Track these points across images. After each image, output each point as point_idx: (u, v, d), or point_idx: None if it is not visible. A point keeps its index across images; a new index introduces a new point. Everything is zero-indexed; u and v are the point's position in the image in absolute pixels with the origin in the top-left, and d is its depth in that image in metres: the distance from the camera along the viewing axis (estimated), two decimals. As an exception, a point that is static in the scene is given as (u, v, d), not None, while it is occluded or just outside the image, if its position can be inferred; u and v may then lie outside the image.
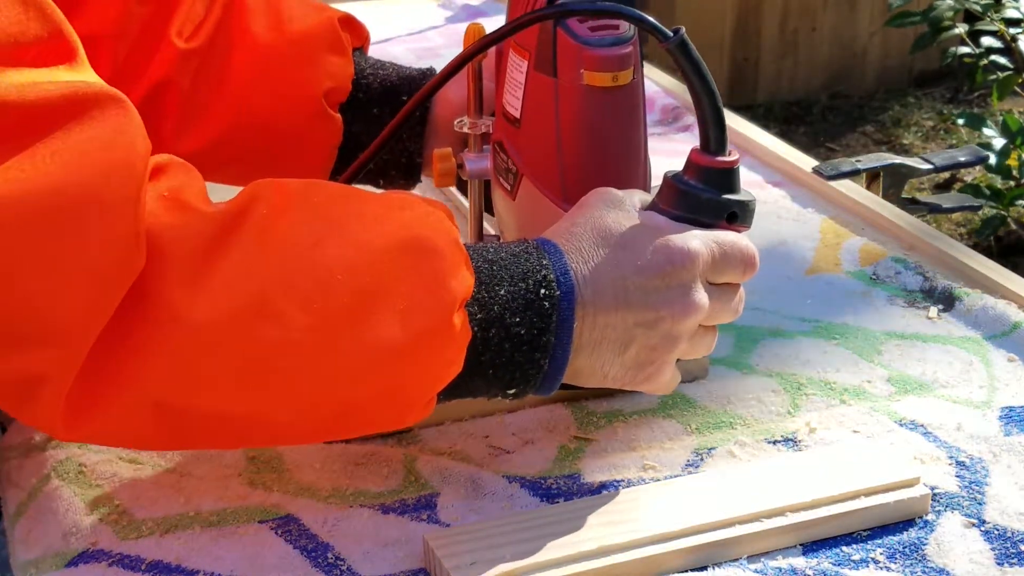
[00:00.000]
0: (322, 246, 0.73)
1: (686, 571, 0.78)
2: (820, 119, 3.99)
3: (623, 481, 0.86)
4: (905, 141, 3.78)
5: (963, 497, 0.84)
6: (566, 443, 0.90)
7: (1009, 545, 0.80)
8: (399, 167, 1.10)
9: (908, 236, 1.17)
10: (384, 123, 1.06)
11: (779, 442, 0.90)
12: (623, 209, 0.83)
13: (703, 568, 0.78)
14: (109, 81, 0.73)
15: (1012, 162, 2.95)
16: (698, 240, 0.82)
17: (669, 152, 1.38)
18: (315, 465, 0.88)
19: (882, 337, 1.03)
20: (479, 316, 0.77)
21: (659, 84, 1.53)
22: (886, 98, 4.12)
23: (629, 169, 0.90)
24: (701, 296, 0.81)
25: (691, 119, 1.45)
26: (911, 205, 1.35)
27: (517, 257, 0.80)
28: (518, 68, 0.91)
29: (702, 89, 0.82)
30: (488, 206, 1.01)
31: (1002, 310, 1.04)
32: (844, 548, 0.80)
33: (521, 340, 0.78)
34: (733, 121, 1.42)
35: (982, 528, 0.81)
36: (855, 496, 0.82)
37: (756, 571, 0.78)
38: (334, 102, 1.08)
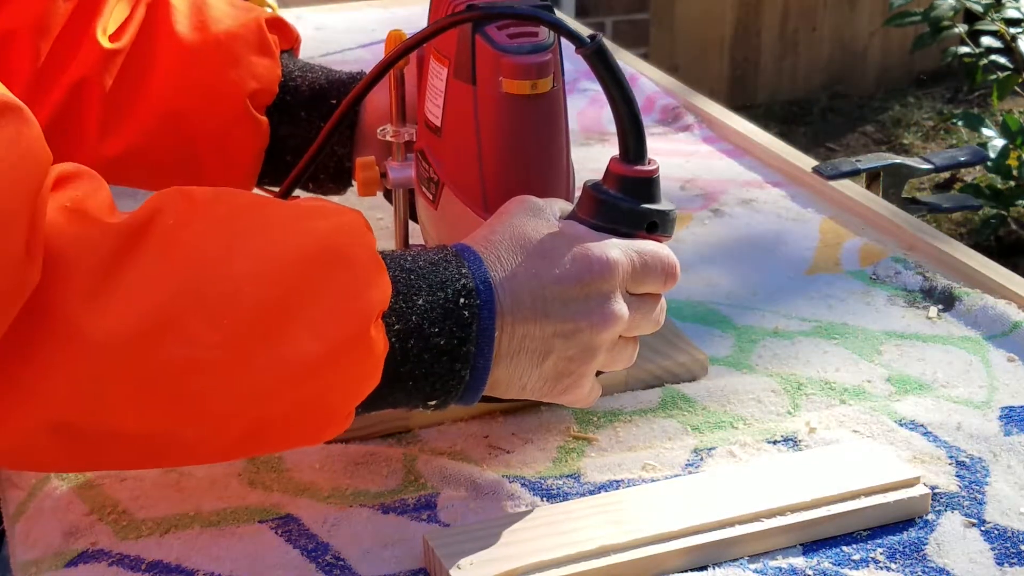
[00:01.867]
0: (231, 258, 0.71)
1: (686, 571, 0.78)
2: (820, 119, 3.99)
3: (623, 481, 0.86)
4: (905, 141, 3.78)
5: (963, 497, 0.84)
6: (566, 443, 0.90)
7: (1009, 545, 0.80)
8: (328, 172, 1.08)
9: (908, 236, 1.17)
10: (311, 126, 1.06)
11: (779, 442, 0.90)
12: (543, 218, 0.82)
13: (703, 568, 0.78)
14: (29, 78, 0.70)
15: (1012, 162, 2.95)
16: (618, 250, 0.80)
17: (670, 152, 1.38)
18: (315, 465, 0.88)
19: (882, 337, 1.03)
20: (397, 327, 0.76)
21: (659, 84, 1.53)
22: (886, 98, 4.12)
23: (550, 178, 0.88)
24: (620, 307, 0.80)
25: (691, 119, 1.45)
26: (911, 205, 1.35)
27: (436, 266, 0.78)
28: (438, 76, 0.90)
29: (619, 97, 0.81)
30: (414, 215, 1.00)
31: (1002, 310, 1.04)
32: (844, 548, 0.80)
33: (441, 350, 0.77)
34: (733, 121, 1.42)
35: (982, 528, 0.81)
36: (855, 496, 0.82)
37: (756, 571, 0.78)
38: (260, 104, 1.06)
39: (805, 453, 0.88)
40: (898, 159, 1.35)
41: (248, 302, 0.70)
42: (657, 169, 0.83)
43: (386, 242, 1.03)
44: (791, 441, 0.90)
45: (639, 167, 0.82)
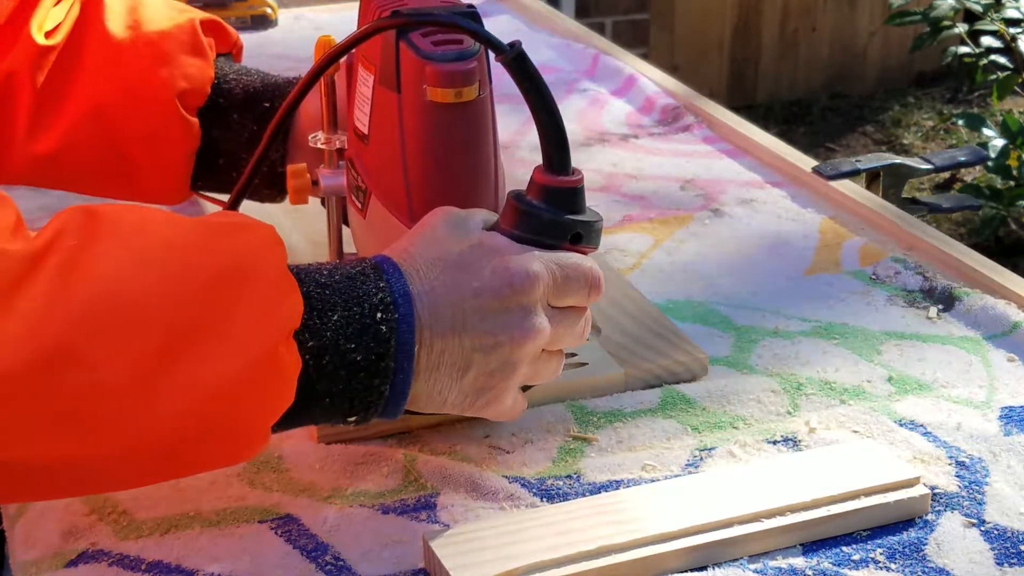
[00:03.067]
0: (133, 280, 0.69)
1: (686, 571, 0.78)
2: (820, 119, 3.99)
3: (623, 481, 0.86)
4: (905, 141, 3.78)
5: (963, 497, 0.84)
6: (566, 443, 0.90)
7: (1009, 545, 0.80)
8: (263, 177, 1.06)
9: (908, 236, 1.17)
10: (244, 129, 1.05)
11: (779, 442, 0.90)
12: (464, 229, 0.81)
13: (703, 568, 0.78)
14: None
15: (1012, 162, 2.95)
16: (539, 263, 0.79)
17: (670, 152, 1.38)
18: (315, 465, 0.88)
19: (882, 337, 1.03)
20: (311, 343, 0.74)
21: (659, 84, 1.53)
22: (886, 98, 4.12)
23: (477, 188, 0.87)
24: (541, 321, 0.79)
25: (691, 119, 1.45)
26: (911, 205, 1.35)
27: (353, 280, 0.77)
28: (366, 83, 0.89)
29: (540, 106, 0.79)
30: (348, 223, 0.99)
31: (1002, 310, 1.04)
32: (844, 548, 0.80)
33: (358, 366, 0.75)
34: (733, 121, 1.42)
35: (982, 528, 0.81)
36: (855, 496, 0.82)
37: (756, 571, 0.78)
38: (191, 105, 1.04)
39: (805, 453, 0.88)
40: (898, 159, 1.35)
41: (151, 325, 0.69)
42: (581, 179, 0.81)
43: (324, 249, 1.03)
44: (791, 441, 0.90)
45: (563, 177, 0.81)
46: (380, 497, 0.85)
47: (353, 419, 0.78)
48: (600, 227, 0.83)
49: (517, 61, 0.79)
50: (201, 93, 1.05)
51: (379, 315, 0.76)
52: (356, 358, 0.75)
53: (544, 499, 0.84)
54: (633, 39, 3.80)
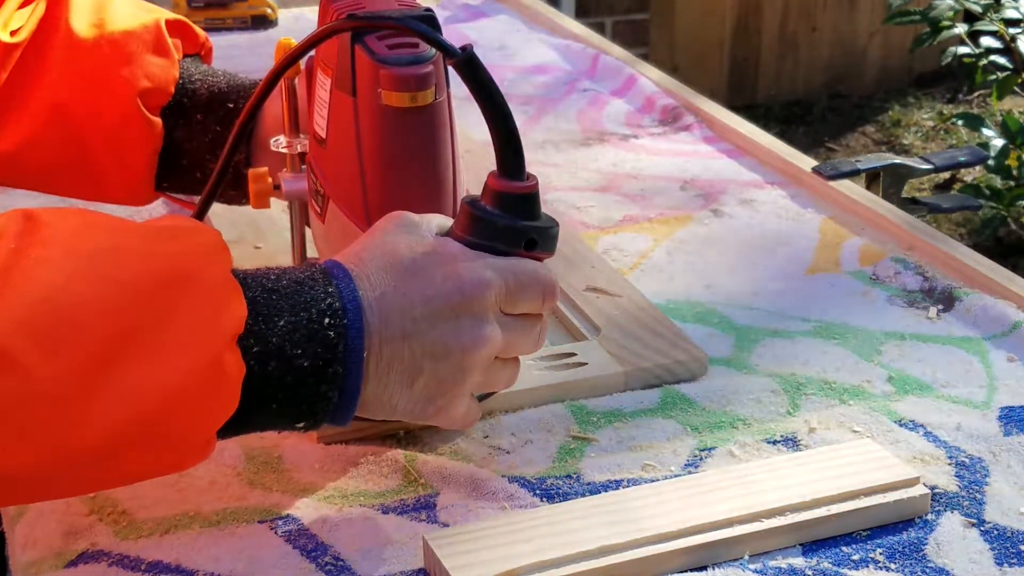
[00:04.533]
0: (72, 285, 0.68)
1: (686, 571, 0.78)
2: (820, 119, 3.99)
3: (623, 481, 0.86)
4: (905, 141, 3.78)
5: (963, 497, 0.84)
6: (566, 443, 0.90)
7: (1009, 545, 0.80)
8: (228, 180, 1.04)
9: (908, 236, 1.17)
10: (207, 130, 1.05)
11: (779, 442, 0.90)
12: (417, 235, 0.80)
13: (703, 568, 0.78)
14: None
15: (1012, 162, 2.95)
16: (491, 270, 0.78)
17: (670, 152, 1.38)
18: (315, 465, 0.88)
19: (882, 337, 1.03)
20: (255, 349, 0.73)
21: (659, 84, 1.53)
22: (886, 98, 4.12)
23: (433, 193, 0.87)
24: (492, 329, 0.78)
25: (691, 119, 1.45)
26: (911, 205, 1.35)
27: (301, 285, 0.76)
28: (323, 87, 0.88)
29: (492, 110, 0.78)
30: None
31: (1002, 310, 1.04)
32: (844, 548, 0.80)
33: (305, 372, 0.74)
34: (733, 121, 1.42)
35: (982, 528, 0.81)
36: (855, 496, 0.82)
37: (756, 571, 0.78)
38: (154, 104, 1.04)
39: (805, 453, 0.88)
40: (898, 159, 1.35)
41: (89, 331, 0.67)
42: (535, 185, 0.80)
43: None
44: (791, 441, 0.90)
45: (516, 183, 0.79)
46: (380, 497, 0.85)
47: (301, 425, 0.77)
48: (556, 233, 0.82)
49: (468, 65, 0.77)
50: (164, 92, 1.04)
51: (327, 320, 0.75)
52: (303, 363, 0.74)
53: (544, 499, 0.84)
54: (633, 39, 3.80)
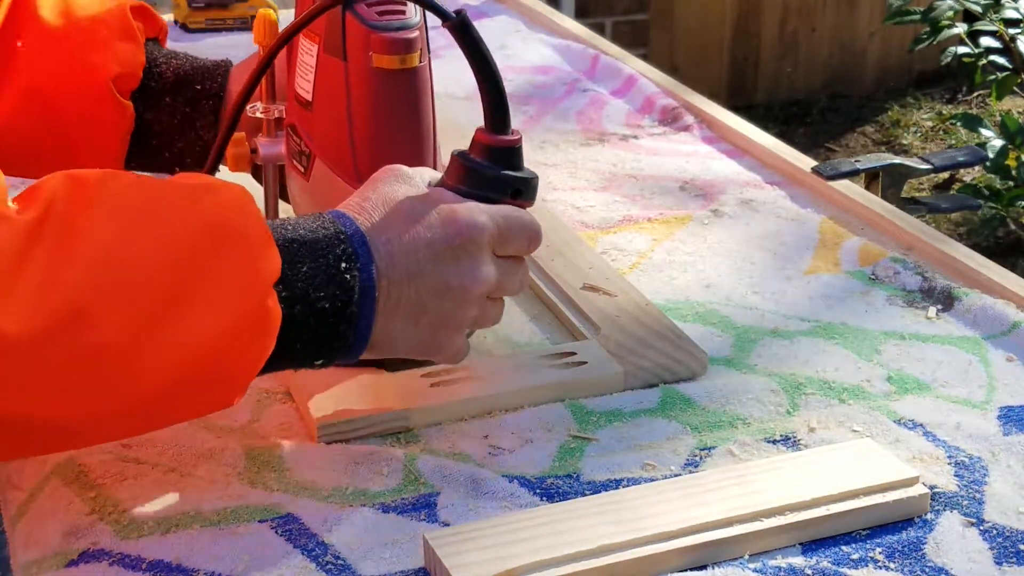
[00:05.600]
0: (129, 242, 0.73)
1: (686, 570, 0.78)
2: (820, 119, 3.99)
3: (623, 481, 0.86)
4: (905, 141, 3.78)
5: (962, 496, 0.84)
6: (566, 443, 0.90)
7: (1008, 544, 0.80)
8: (195, 156, 1.10)
9: (907, 236, 1.17)
10: (176, 112, 1.09)
11: (779, 442, 0.90)
12: (412, 185, 0.86)
13: (703, 567, 0.78)
14: None
15: (1011, 162, 2.95)
16: (485, 214, 0.85)
17: (670, 152, 1.38)
18: (315, 465, 0.88)
19: (881, 337, 1.03)
20: (284, 294, 0.79)
21: (659, 84, 1.53)
22: (886, 98, 4.12)
23: (418, 148, 0.94)
24: (488, 268, 0.85)
25: (691, 119, 1.45)
26: (911, 205, 1.35)
27: (315, 232, 0.82)
28: (309, 53, 0.94)
29: (483, 70, 0.86)
30: (283, 192, 1.04)
31: (1001, 310, 1.04)
32: (843, 547, 0.80)
33: (326, 314, 0.80)
34: (733, 121, 1.42)
35: (981, 527, 0.82)
36: (854, 495, 0.82)
37: (755, 570, 0.78)
38: (124, 89, 1.08)
39: (804, 453, 0.88)
40: (897, 159, 1.35)
41: (151, 285, 0.73)
42: (520, 139, 0.88)
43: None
44: (791, 441, 0.90)
45: (503, 136, 0.87)
46: (380, 497, 0.85)
47: (320, 362, 0.83)
48: (536, 183, 0.89)
49: (462, 27, 0.85)
50: (134, 77, 1.08)
51: (343, 265, 0.81)
52: (324, 306, 0.80)
53: (544, 499, 0.84)
54: (633, 39, 3.80)
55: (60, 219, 0.72)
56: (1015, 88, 3.04)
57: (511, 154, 0.88)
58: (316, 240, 0.81)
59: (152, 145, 1.10)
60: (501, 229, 0.85)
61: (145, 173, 1.10)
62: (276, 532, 0.82)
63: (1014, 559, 0.79)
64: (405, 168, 0.88)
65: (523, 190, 0.88)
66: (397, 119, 0.93)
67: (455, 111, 1.46)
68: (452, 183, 0.87)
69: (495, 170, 0.87)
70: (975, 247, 1.38)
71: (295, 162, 0.98)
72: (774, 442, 0.90)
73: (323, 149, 0.94)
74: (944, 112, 3.95)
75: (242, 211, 0.78)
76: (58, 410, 0.73)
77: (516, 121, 1.46)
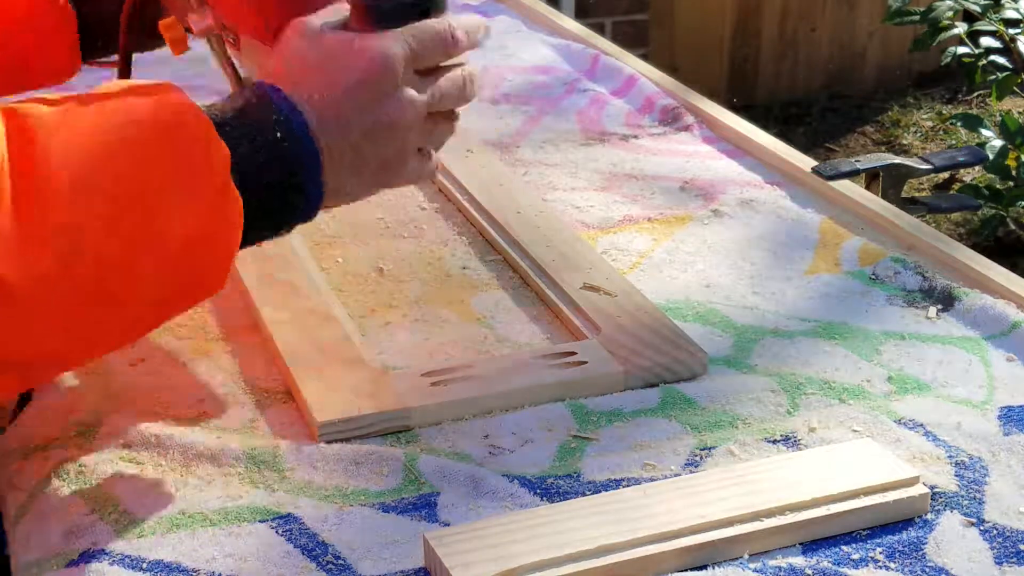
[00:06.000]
0: (101, 164, 0.75)
1: (686, 570, 0.78)
2: (820, 119, 3.99)
3: (623, 481, 0.86)
4: (905, 141, 3.78)
5: (962, 496, 0.84)
6: (566, 442, 0.90)
7: (1008, 544, 0.80)
8: (148, 34, 1.10)
9: (907, 236, 1.17)
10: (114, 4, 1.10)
11: (779, 442, 0.90)
12: (318, 38, 0.87)
13: (703, 567, 0.78)
14: None
15: (1011, 162, 2.94)
16: (393, 41, 0.85)
17: (670, 152, 1.38)
18: (315, 465, 0.88)
19: (881, 337, 1.03)
20: (234, 176, 0.80)
21: (659, 84, 1.53)
22: (886, 98, 4.12)
23: None
24: (410, 93, 0.86)
25: (691, 119, 1.45)
26: (911, 205, 1.35)
27: (244, 112, 0.83)
28: None
29: None
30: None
31: (1001, 310, 1.04)
32: (843, 547, 0.80)
33: (276, 188, 0.83)
34: (733, 121, 1.42)
35: (981, 527, 0.82)
36: (854, 495, 0.82)
37: (756, 570, 0.78)
38: None
39: (805, 453, 0.88)
40: (897, 159, 1.35)
41: (130, 200, 0.76)
42: None
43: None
44: (791, 441, 0.90)
45: None
46: (380, 497, 0.85)
47: (283, 230, 0.86)
48: None
49: None
50: None
51: (278, 134, 0.82)
52: (273, 180, 0.83)
53: (544, 499, 0.84)
54: (633, 39, 3.80)
55: (32, 153, 0.73)
56: (1015, 88, 3.04)
57: None
58: (248, 120, 0.82)
59: (98, 34, 1.10)
60: (413, 48, 0.86)
61: (103, 60, 1.14)
62: (276, 532, 0.82)
63: (1014, 559, 0.79)
64: (309, 21, 0.88)
65: (430, 7, 0.88)
66: None
67: (455, 111, 1.46)
68: (357, 26, 0.87)
69: (393, 1, 0.87)
70: (975, 247, 1.37)
71: (227, 37, 1.00)
72: (774, 442, 0.90)
73: (239, 20, 0.97)
74: (944, 112, 3.95)
75: (180, 107, 0.79)
76: (71, 335, 0.76)
77: (516, 121, 1.46)
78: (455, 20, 0.88)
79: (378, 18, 0.87)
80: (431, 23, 0.87)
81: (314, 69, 0.85)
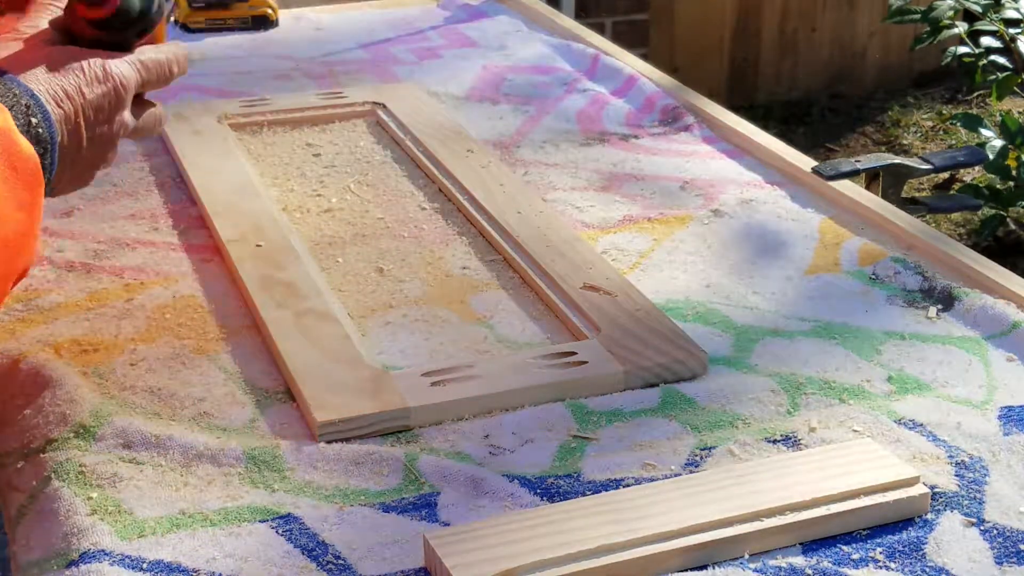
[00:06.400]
0: None
1: (686, 570, 0.78)
2: (820, 119, 3.99)
3: (623, 481, 0.86)
4: (905, 141, 3.78)
5: (962, 496, 0.84)
6: (566, 443, 0.90)
7: (1008, 544, 0.80)
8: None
9: (908, 236, 1.17)
10: None
11: (779, 442, 0.90)
12: (66, 51, 0.93)
13: (703, 567, 0.78)
14: None
15: (1011, 162, 2.94)
16: (128, 65, 0.94)
17: (670, 152, 1.38)
18: (315, 465, 0.88)
19: (882, 337, 1.03)
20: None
21: (659, 84, 1.53)
22: (886, 98, 4.12)
23: None
24: (127, 114, 0.95)
25: (691, 119, 1.45)
26: (911, 205, 1.35)
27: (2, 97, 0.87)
28: None
29: None
30: None
31: (1001, 310, 1.04)
32: (844, 547, 0.80)
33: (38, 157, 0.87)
34: (733, 121, 1.42)
35: (981, 527, 0.82)
36: (855, 495, 0.82)
37: (756, 570, 0.78)
38: None
39: (805, 453, 0.88)
40: (897, 159, 1.35)
41: None
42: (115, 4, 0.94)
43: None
44: (791, 441, 0.90)
45: (98, 9, 0.93)
46: (380, 496, 0.85)
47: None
48: (154, 4, 0.96)
49: None
50: None
51: (34, 121, 0.87)
52: (39, 151, 0.87)
53: (544, 498, 0.84)
54: (633, 40, 3.79)
55: None
56: (1015, 88, 3.04)
57: (116, 17, 0.93)
58: (7, 99, 0.86)
59: None
60: (143, 76, 0.95)
61: None
62: (276, 532, 0.82)
63: (1014, 559, 0.79)
64: (53, 34, 0.94)
65: (145, 27, 0.95)
66: None
67: (455, 111, 1.46)
68: (81, 31, 0.93)
69: (113, 33, 0.94)
70: (975, 247, 1.38)
71: None
72: (774, 442, 0.90)
73: None
74: (944, 112, 3.95)
75: None
76: None
77: (516, 121, 1.46)
78: (170, 50, 0.98)
79: (104, 43, 0.94)
80: (159, 56, 0.96)
81: (60, 73, 0.91)
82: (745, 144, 1.38)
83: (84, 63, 0.93)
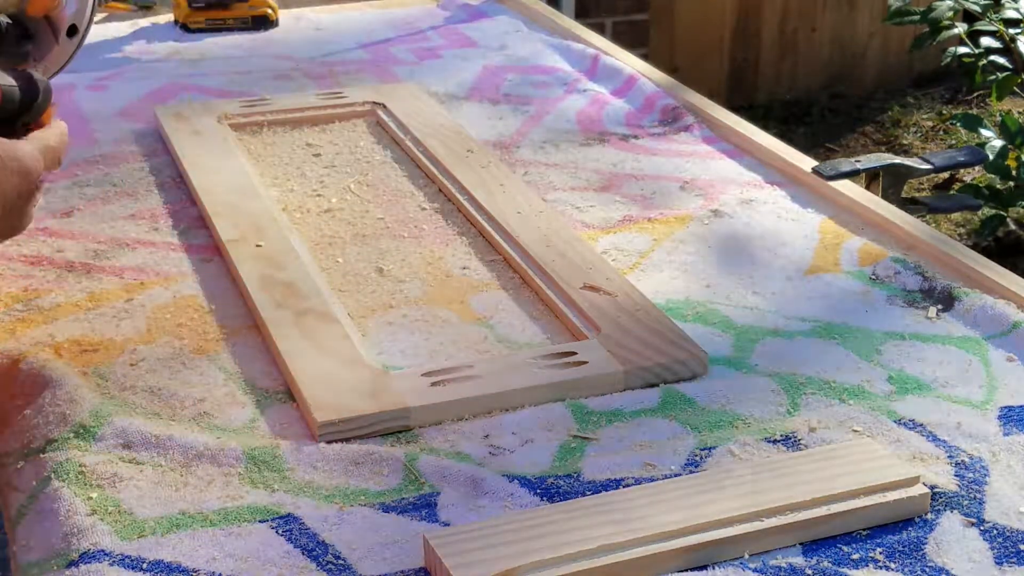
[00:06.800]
0: None
1: (686, 570, 0.78)
2: (820, 119, 3.99)
3: (623, 481, 0.86)
4: (905, 141, 3.78)
5: (962, 496, 0.84)
6: (566, 443, 0.90)
7: (1008, 544, 0.80)
8: None
9: (908, 236, 1.17)
10: None
11: (779, 442, 0.90)
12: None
13: (703, 567, 0.78)
14: None
15: (1011, 162, 2.94)
16: (33, 159, 0.94)
17: (670, 152, 1.38)
18: (315, 465, 0.88)
19: (882, 337, 1.03)
20: None
21: (659, 84, 1.53)
22: (885, 98, 4.12)
23: None
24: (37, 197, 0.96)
25: (691, 119, 1.45)
26: (911, 205, 1.35)
27: None
28: None
29: None
30: None
31: (1001, 310, 1.04)
32: (844, 547, 0.80)
33: None
34: (733, 121, 1.42)
35: (981, 527, 0.82)
36: (854, 495, 0.82)
37: (756, 570, 0.78)
38: None
39: (805, 453, 0.88)
40: (897, 159, 1.35)
41: None
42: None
43: None
44: (791, 441, 0.90)
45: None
46: (380, 497, 0.85)
47: None
48: (39, 91, 0.98)
49: None
50: None
51: None
52: None
53: (544, 498, 0.84)
54: (633, 40, 3.79)
55: None
56: (1015, 88, 3.04)
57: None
58: None
59: None
60: (45, 164, 0.97)
61: None
62: (276, 532, 0.82)
63: (1014, 559, 0.79)
64: None
65: (31, 116, 0.98)
66: None
67: (455, 111, 1.46)
68: None
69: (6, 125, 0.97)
70: (976, 247, 1.38)
71: None
72: (774, 442, 0.90)
73: None
74: (944, 112, 3.95)
75: None
76: None
77: (516, 121, 1.46)
78: (55, 134, 1.00)
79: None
80: (53, 144, 0.98)
81: None
82: (745, 144, 1.38)
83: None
